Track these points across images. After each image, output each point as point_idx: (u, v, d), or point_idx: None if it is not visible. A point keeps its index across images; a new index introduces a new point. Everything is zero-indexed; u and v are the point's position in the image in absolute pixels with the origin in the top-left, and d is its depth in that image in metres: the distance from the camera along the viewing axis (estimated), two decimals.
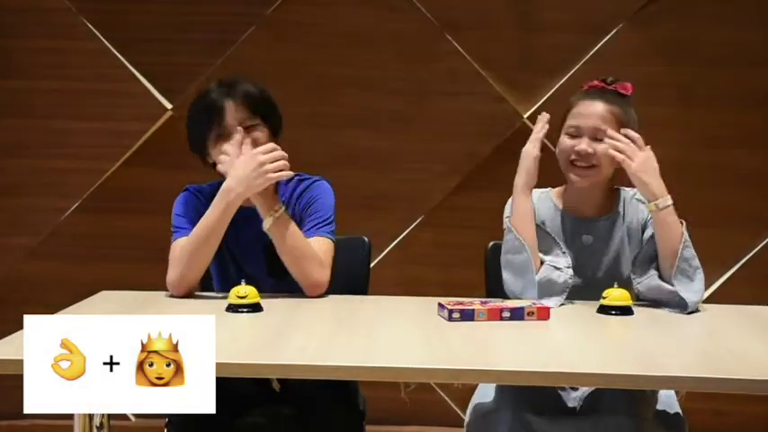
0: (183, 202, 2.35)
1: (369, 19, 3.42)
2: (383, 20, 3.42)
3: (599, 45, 3.40)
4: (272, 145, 2.23)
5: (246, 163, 2.19)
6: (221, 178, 2.32)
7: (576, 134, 2.22)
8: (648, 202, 2.17)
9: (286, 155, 2.22)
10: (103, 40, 3.45)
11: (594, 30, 3.41)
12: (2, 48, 3.45)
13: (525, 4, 3.43)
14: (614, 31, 3.40)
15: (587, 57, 3.40)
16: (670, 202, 2.16)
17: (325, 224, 2.31)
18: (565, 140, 2.24)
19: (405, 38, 3.42)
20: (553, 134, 2.28)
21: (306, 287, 2.24)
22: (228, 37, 3.43)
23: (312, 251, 2.24)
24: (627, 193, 2.32)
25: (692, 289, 2.10)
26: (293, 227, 2.25)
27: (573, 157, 2.22)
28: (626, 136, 2.18)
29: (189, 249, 2.21)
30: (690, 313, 2.09)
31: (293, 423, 2.15)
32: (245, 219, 2.28)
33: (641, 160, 2.17)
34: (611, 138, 2.18)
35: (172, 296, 2.23)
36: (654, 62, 3.40)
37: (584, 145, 2.20)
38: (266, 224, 2.22)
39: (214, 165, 2.32)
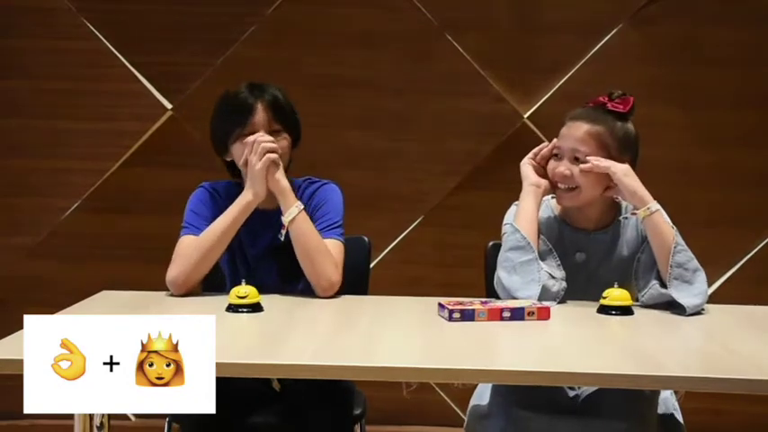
0: (199, 199, 2.35)
1: (369, 19, 3.42)
2: (383, 20, 3.42)
3: (599, 45, 3.40)
4: (253, 138, 2.24)
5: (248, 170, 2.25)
6: (233, 178, 2.37)
7: (558, 156, 2.24)
8: (638, 208, 2.17)
9: (268, 140, 2.23)
10: (103, 40, 3.45)
11: (594, 30, 3.41)
12: (2, 48, 3.46)
13: (525, 4, 3.43)
14: (614, 31, 3.40)
15: (587, 57, 3.40)
16: (657, 206, 2.16)
17: (335, 227, 2.32)
18: (551, 162, 2.27)
19: (405, 38, 3.42)
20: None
21: (319, 287, 2.24)
22: (228, 37, 3.43)
23: (328, 251, 2.25)
24: (628, 204, 2.31)
25: (692, 293, 2.09)
26: (312, 225, 2.26)
27: (554, 179, 2.24)
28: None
29: (199, 249, 2.22)
30: (691, 314, 2.09)
31: (293, 423, 2.15)
32: (263, 222, 2.30)
33: (624, 168, 2.18)
34: (588, 162, 2.18)
35: (171, 295, 2.23)
36: (654, 62, 3.40)
37: (561, 167, 2.22)
38: (288, 217, 2.23)
39: (231, 164, 2.34)
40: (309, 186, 2.39)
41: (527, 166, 2.29)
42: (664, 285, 2.13)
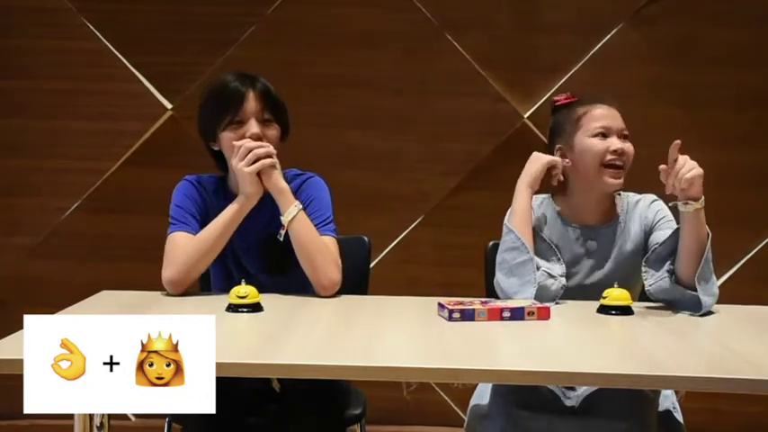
0: (183, 194, 2.34)
1: (369, 19, 3.42)
2: (383, 20, 3.42)
3: (599, 45, 3.40)
4: (240, 143, 2.23)
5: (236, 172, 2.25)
6: (220, 172, 2.36)
7: (605, 134, 2.24)
8: (694, 201, 2.13)
9: (258, 145, 2.22)
10: (103, 40, 3.45)
11: (594, 30, 3.41)
12: (2, 48, 3.46)
13: (525, 4, 3.43)
14: (614, 31, 3.40)
15: (587, 57, 3.41)
16: (702, 203, 2.15)
17: (328, 223, 2.31)
18: (595, 143, 2.24)
19: (405, 38, 3.43)
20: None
21: (320, 286, 2.23)
22: (228, 37, 3.43)
23: (328, 249, 2.25)
24: (629, 198, 2.32)
25: (708, 292, 2.09)
26: (311, 224, 2.26)
27: (609, 157, 2.22)
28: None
29: (196, 251, 2.22)
30: (703, 313, 2.09)
31: (292, 423, 2.15)
32: (252, 212, 2.28)
33: (692, 163, 2.16)
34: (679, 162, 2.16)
35: (169, 294, 2.22)
36: (654, 62, 3.40)
37: (619, 144, 2.22)
38: (287, 217, 2.23)
39: (218, 154, 2.33)
40: (295, 179, 2.38)
41: (543, 163, 2.26)
42: (677, 279, 2.13)
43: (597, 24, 3.41)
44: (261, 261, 2.34)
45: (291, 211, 2.23)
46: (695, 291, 2.07)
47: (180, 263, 2.21)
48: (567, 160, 2.27)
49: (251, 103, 2.26)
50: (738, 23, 3.38)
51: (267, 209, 2.29)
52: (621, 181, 2.25)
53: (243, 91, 2.26)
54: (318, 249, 2.23)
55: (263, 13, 3.44)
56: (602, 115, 2.25)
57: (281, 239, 2.24)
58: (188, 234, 2.26)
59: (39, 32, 3.45)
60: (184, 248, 2.23)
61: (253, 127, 2.25)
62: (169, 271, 2.21)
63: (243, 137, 2.24)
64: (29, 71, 3.47)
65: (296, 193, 2.34)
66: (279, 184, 2.25)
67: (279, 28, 3.43)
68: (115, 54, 3.46)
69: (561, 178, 2.29)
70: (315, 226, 2.28)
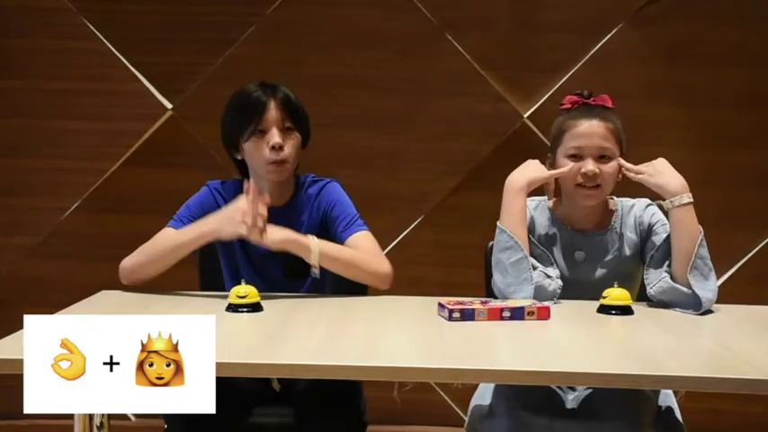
0: (199, 199, 2.37)
1: (369, 19, 3.42)
2: (383, 20, 3.42)
3: (599, 45, 3.40)
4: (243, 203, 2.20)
5: (232, 208, 2.21)
6: (241, 176, 2.38)
7: (579, 156, 2.23)
8: (666, 200, 2.17)
9: (264, 216, 2.18)
10: (103, 40, 3.45)
11: (594, 30, 3.41)
12: (2, 48, 3.46)
13: (525, 4, 3.43)
14: (614, 31, 3.40)
15: (587, 57, 3.40)
16: (688, 199, 2.17)
17: (356, 220, 2.35)
18: (568, 162, 2.23)
19: (405, 38, 3.42)
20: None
21: (377, 284, 2.28)
22: (228, 37, 3.43)
23: (363, 254, 2.27)
24: (623, 203, 2.32)
25: (707, 287, 2.11)
26: (333, 246, 2.26)
27: (580, 179, 2.22)
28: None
29: (149, 254, 2.26)
30: (704, 311, 2.09)
31: (293, 423, 2.15)
32: (270, 220, 2.27)
33: (651, 170, 2.20)
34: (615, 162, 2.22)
35: (173, 294, 2.24)
36: (654, 62, 3.40)
37: (590, 166, 2.21)
38: (314, 260, 2.20)
39: (241, 162, 2.35)
40: (313, 185, 2.41)
41: (544, 176, 2.25)
42: (673, 279, 2.14)
43: (597, 24, 3.41)
44: (282, 267, 2.34)
45: (314, 253, 2.20)
46: (693, 289, 2.08)
47: (135, 259, 2.28)
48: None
49: (272, 112, 2.28)
50: (738, 23, 3.37)
51: (284, 217, 2.30)
52: (597, 201, 2.26)
53: (264, 100, 2.28)
54: (354, 263, 2.25)
55: (263, 13, 3.44)
56: (580, 134, 2.22)
57: (318, 276, 2.22)
58: (153, 240, 2.30)
59: (38, 32, 3.45)
60: (146, 248, 2.28)
61: (275, 137, 2.27)
62: (128, 258, 2.29)
63: (266, 146, 2.26)
64: (29, 71, 3.47)
65: (315, 199, 2.38)
66: (276, 237, 2.19)
67: (279, 28, 3.43)
68: (115, 54, 3.45)
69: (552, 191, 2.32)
70: (346, 226, 2.33)
